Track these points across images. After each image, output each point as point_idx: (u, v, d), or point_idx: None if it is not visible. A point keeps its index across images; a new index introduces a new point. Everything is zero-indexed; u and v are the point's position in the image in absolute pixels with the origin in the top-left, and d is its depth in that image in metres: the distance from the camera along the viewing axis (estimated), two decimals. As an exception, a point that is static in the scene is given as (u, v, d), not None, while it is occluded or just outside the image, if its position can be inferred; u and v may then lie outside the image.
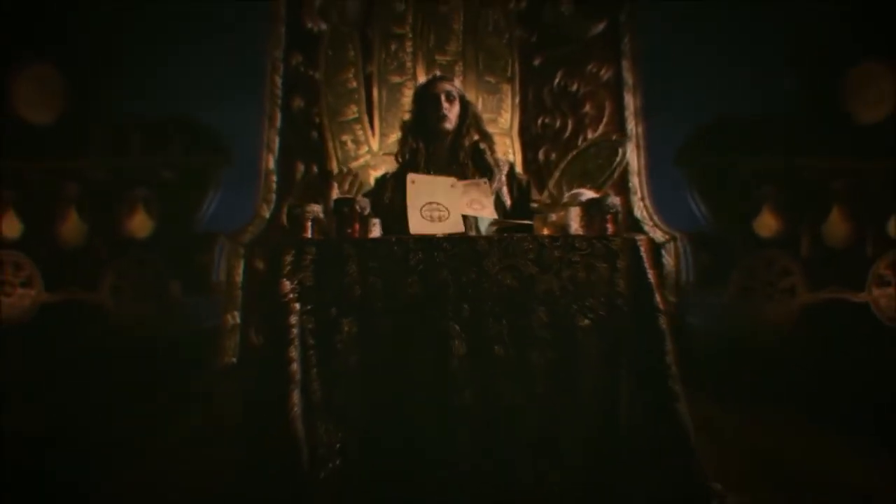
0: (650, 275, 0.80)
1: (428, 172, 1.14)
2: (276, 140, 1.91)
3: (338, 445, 0.79)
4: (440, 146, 1.19)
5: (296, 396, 0.76)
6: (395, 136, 1.78)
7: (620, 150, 1.36)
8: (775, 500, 1.12)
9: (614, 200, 0.83)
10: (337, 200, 0.90)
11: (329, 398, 0.78)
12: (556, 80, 1.82)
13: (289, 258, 0.80)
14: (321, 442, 0.77)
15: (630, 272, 0.82)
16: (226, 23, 2.13)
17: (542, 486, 0.79)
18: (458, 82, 1.18)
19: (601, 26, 1.84)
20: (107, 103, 2.35)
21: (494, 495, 0.79)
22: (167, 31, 2.25)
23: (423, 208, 1.01)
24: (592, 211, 0.84)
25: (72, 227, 2.29)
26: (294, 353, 0.78)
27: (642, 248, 0.81)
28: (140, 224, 2.30)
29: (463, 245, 0.89)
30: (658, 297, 0.80)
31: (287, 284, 0.78)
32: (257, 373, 0.85)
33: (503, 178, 1.18)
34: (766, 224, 2.27)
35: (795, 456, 1.45)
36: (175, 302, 2.33)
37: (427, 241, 0.91)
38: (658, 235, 1.83)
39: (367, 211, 0.92)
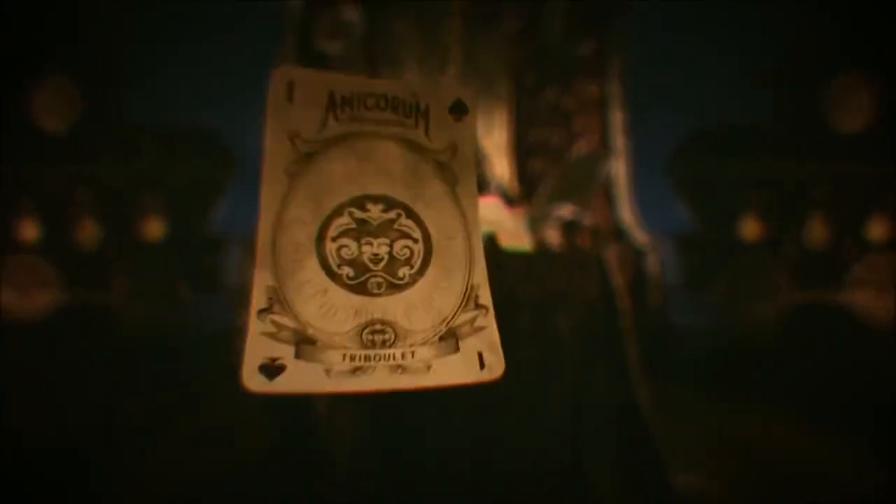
0: (614, 281, 0.96)
1: None
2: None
3: (352, 427, 0.95)
4: None
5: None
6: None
7: (600, 165, 1.49)
8: (734, 478, 1.26)
9: (588, 218, 0.98)
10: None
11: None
12: (548, 97, 1.96)
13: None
14: (338, 424, 0.92)
15: (600, 280, 0.97)
16: (238, 34, 2.27)
17: (524, 461, 0.95)
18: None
19: (590, 46, 1.99)
20: (119, 112, 2.49)
21: (484, 468, 0.94)
22: (177, 41, 2.38)
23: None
24: (570, 228, 0.99)
25: (86, 231, 2.43)
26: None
27: (610, 259, 0.97)
28: (152, 228, 2.43)
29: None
30: (620, 301, 0.96)
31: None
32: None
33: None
34: (751, 228, 2.41)
35: (768, 444, 1.58)
36: (185, 303, 2.47)
37: None
38: (642, 241, 1.98)
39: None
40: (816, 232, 2.31)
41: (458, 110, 0.54)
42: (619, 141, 1.93)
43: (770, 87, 2.27)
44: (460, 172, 0.51)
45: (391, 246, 0.46)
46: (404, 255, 0.46)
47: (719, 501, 1.11)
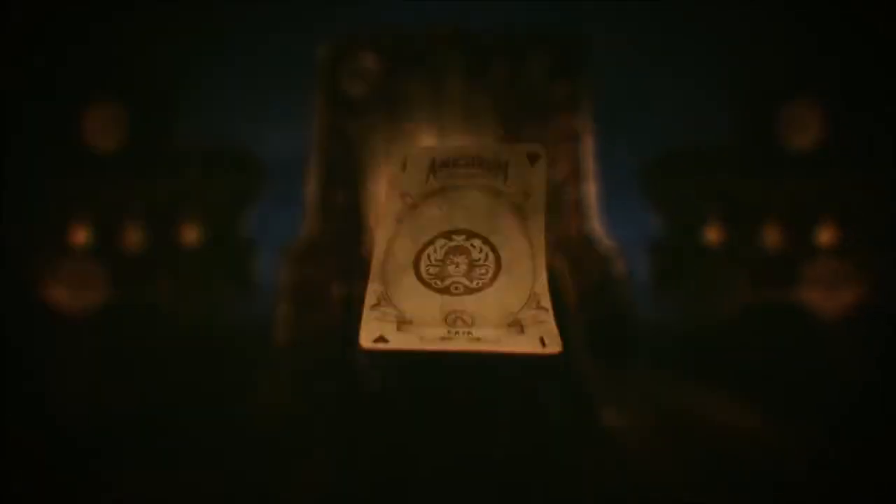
0: (565, 285, 1.30)
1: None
2: (319, 177, 2.43)
3: (381, 379, 1.26)
4: None
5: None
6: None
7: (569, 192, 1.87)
8: (658, 434, 1.54)
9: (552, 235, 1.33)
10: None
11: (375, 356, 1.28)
12: (528, 132, 2.35)
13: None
14: (371, 375, 1.24)
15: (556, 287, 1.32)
16: (270, 67, 2.61)
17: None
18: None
19: (565, 90, 2.38)
20: (163, 133, 2.84)
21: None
22: (219, 72, 2.72)
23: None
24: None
25: (133, 237, 2.80)
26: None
27: (562, 268, 1.31)
28: (191, 234, 2.80)
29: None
30: (569, 301, 1.30)
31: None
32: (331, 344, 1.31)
33: None
34: (714, 235, 2.77)
35: (705, 415, 1.89)
36: (221, 301, 2.82)
37: None
38: (609, 248, 2.37)
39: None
40: (772, 238, 2.67)
41: (533, 158, 0.67)
42: (589, 165, 2.32)
43: (729, 112, 2.63)
44: (531, 211, 0.66)
45: (469, 262, 0.60)
46: (479, 270, 0.61)
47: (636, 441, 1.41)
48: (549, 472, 1.12)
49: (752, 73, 2.54)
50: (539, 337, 0.62)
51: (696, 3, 2.37)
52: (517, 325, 0.63)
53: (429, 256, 0.63)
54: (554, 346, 0.62)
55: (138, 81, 2.69)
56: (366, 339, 0.59)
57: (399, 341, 0.59)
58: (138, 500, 1.21)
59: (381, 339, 0.59)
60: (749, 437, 1.70)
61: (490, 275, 0.62)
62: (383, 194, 0.65)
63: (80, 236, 2.73)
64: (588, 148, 2.28)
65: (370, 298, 0.62)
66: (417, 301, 0.61)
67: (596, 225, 2.27)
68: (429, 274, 0.62)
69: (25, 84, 2.45)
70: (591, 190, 2.26)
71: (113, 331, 2.66)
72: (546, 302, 0.64)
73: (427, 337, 0.60)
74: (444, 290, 0.62)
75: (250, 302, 2.58)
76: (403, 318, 0.61)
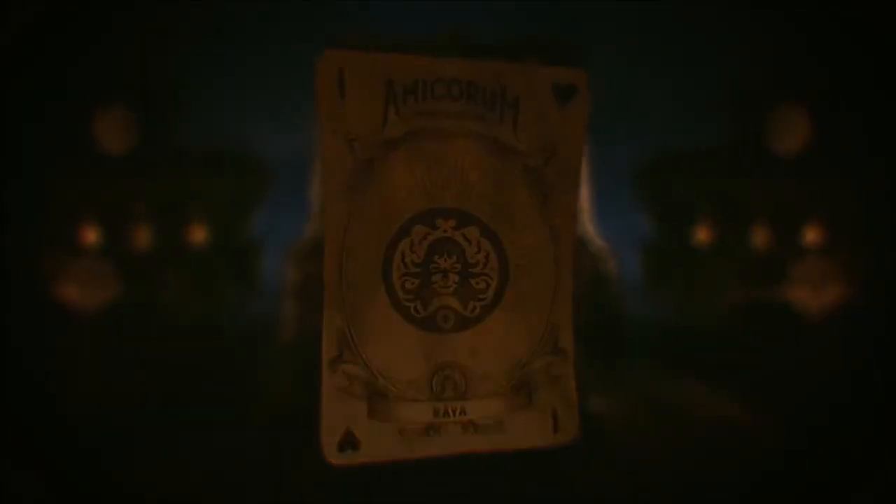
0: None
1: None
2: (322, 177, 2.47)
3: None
4: None
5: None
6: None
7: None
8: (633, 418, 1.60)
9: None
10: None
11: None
12: None
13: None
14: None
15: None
16: (278, 63, 2.65)
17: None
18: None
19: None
20: (169, 135, 2.89)
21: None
22: (223, 75, 2.77)
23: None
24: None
25: (141, 237, 2.86)
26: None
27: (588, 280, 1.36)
28: (198, 234, 2.86)
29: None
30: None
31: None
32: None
33: None
34: (704, 235, 2.82)
35: (686, 407, 1.96)
36: (227, 301, 2.88)
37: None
38: (601, 248, 2.42)
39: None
40: (760, 239, 2.72)
41: (564, 93, 0.40)
42: (582, 167, 2.38)
43: (720, 117, 2.67)
44: (555, 181, 0.41)
45: (461, 271, 0.38)
46: (475, 282, 0.39)
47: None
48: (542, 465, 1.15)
49: (742, 76, 2.60)
50: (552, 410, 0.41)
51: (688, 6, 2.43)
52: (524, 388, 0.41)
53: (403, 257, 0.39)
54: (568, 431, 0.41)
55: (140, 83, 2.75)
56: (331, 444, 0.39)
57: (373, 444, 0.40)
58: (141, 497, 1.22)
59: (350, 438, 0.40)
60: (741, 434, 1.76)
61: (491, 291, 0.40)
62: (321, 142, 0.38)
63: (83, 237, 2.78)
64: (583, 154, 2.35)
65: (329, 344, 0.40)
66: (393, 344, 0.40)
67: (588, 225, 2.33)
68: (405, 291, 0.40)
69: (26, 84, 2.51)
70: (584, 191, 2.32)
71: (116, 331, 2.72)
72: (567, 339, 0.42)
73: (409, 428, 0.40)
74: (429, 323, 0.40)
75: (254, 302, 2.64)
76: (376, 386, 0.40)
